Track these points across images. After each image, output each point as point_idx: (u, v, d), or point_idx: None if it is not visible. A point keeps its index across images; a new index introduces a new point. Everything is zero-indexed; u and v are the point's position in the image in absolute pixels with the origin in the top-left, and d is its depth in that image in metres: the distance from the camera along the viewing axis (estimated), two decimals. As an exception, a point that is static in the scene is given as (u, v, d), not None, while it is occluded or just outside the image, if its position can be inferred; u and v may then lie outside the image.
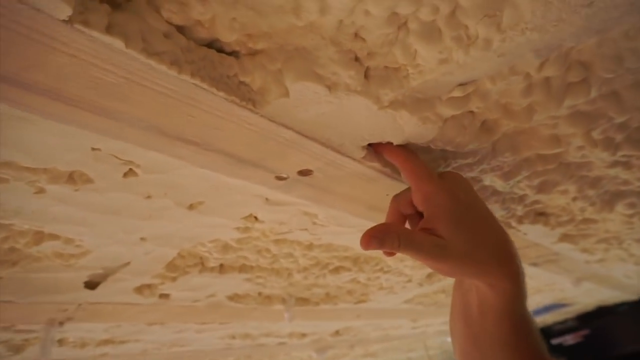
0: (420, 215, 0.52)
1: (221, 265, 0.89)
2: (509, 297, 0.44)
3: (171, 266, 0.81)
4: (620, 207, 0.84)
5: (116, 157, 0.46)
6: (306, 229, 0.74)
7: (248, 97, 0.39)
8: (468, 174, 0.62)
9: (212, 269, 0.87)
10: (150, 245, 0.70)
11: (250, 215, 0.67)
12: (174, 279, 0.85)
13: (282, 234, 0.75)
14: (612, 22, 0.37)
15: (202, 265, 0.86)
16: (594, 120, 0.53)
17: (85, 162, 0.45)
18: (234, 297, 1.07)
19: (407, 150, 0.51)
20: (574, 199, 0.78)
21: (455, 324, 0.49)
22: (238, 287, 1.01)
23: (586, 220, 0.92)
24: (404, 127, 0.46)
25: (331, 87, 0.39)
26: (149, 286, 0.87)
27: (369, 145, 0.51)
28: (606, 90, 0.49)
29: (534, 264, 1.21)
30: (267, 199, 0.61)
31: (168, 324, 1.09)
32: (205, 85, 0.36)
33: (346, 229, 0.76)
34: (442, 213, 0.47)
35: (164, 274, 0.82)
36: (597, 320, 2.45)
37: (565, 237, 1.01)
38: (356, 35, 0.37)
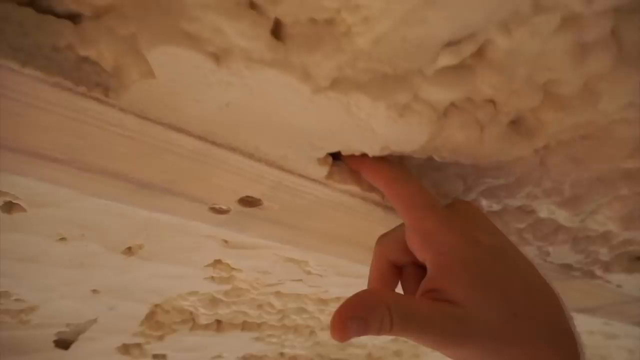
0: (419, 267, 0.34)
1: (218, 322, 0.74)
2: None
3: (153, 323, 0.68)
4: None
5: (-22, 185, 0.34)
6: (300, 280, 0.58)
7: (96, 82, 0.25)
8: (508, 202, 0.42)
9: (206, 327, 0.73)
10: (109, 299, 0.57)
11: (218, 262, 0.52)
12: (160, 338, 0.71)
13: (273, 285, 0.59)
14: None
15: (193, 322, 0.71)
16: None
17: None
18: (249, 359, 0.91)
19: (393, 166, 0.34)
20: (689, 236, 0.54)
21: None
22: (249, 347, 0.85)
23: None
24: (372, 124, 0.29)
25: (219, 57, 0.24)
26: (137, 346, 0.74)
27: (335, 157, 0.34)
28: None
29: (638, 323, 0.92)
30: (225, 240, 0.46)
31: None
32: (15, 65, 0.23)
33: (353, 280, 0.58)
34: (454, 264, 0.29)
35: (145, 332, 0.68)
36: None
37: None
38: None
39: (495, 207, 0.43)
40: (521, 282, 0.29)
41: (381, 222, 0.41)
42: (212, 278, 0.55)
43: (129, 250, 0.46)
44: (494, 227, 0.32)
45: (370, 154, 0.33)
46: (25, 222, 0.38)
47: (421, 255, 0.31)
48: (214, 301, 0.65)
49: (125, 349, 0.73)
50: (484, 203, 0.42)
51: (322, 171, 0.34)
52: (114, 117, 0.26)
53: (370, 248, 0.45)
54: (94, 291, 0.54)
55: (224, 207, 0.37)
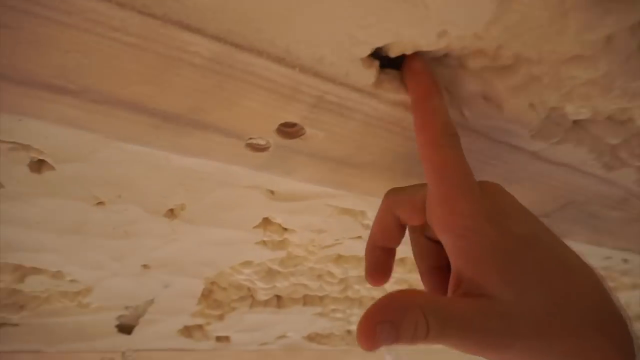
0: (429, 239, 0.32)
1: (278, 298, 0.71)
2: None
3: (211, 301, 0.65)
4: None
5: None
6: (359, 237, 0.52)
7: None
8: (599, 106, 0.35)
9: (266, 303, 0.69)
10: (161, 275, 0.54)
11: (267, 222, 0.48)
12: (220, 317, 0.68)
13: (330, 247, 0.54)
14: None
15: (252, 298, 0.68)
16: None
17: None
18: (315, 338, 0.87)
19: (440, 97, 0.29)
20: None
21: None
22: (313, 325, 0.81)
23: None
24: (425, -5, 0.23)
25: None
26: (198, 327, 0.72)
27: (385, 60, 0.29)
28: None
29: None
30: (270, 191, 0.42)
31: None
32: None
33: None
34: (486, 254, 0.24)
35: (204, 312, 0.66)
36: None
37: None
38: None
39: (584, 114, 0.35)
40: (560, 269, 0.25)
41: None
42: (264, 243, 0.51)
43: (171, 213, 0.43)
44: (525, 212, 0.27)
45: (426, 46, 0.27)
46: (57, 183, 0.36)
47: (443, 235, 0.26)
48: (270, 273, 0.61)
49: (187, 331, 0.72)
50: (569, 109, 0.34)
51: (368, 76, 0.28)
52: (113, 16, 0.22)
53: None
54: (145, 266, 0.52)
55: (262, 142, 0.33)
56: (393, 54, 0.28)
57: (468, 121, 0.34)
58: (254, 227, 0.47)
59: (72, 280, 0.52)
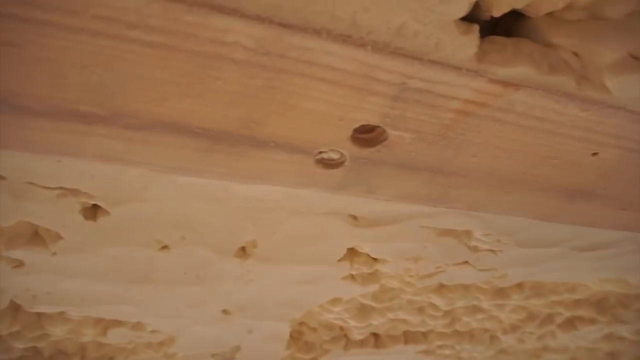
0: None
1: (375, 336, 0.62)
2: None
3: (301, 344, 0.59)
4: None
5: (45, 187, 0.28)
6: (466, 262, 0.43)
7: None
8: None
9: (362, 343, 0.61)
10: (243, 320, 0.49)
11: (353, 252, 0.41)
12: (314, 362, 0.62)
13: (430, 276, 0.45)
14: None
15: (346, 338, 0.61)
16: None
17: (15, 208, 0.29)
18: (422, 378, 0.77)
19: None
20: None
21: None
22: (419, 364, 0.71)
23: None
24: None
25: None
26: (293, 373, 0.66)
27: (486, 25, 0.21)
28: None
29: None
30: (352, 216, 0.35)
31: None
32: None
33: (543, 251, 0.41)
34: None
35: (294, 356, 0.60)
36: None
37: None
38: None
39: None
40: None
41: (578, 129, 0.26)
42: (352, 277, 0.44)
43: (242, 252, 0.38)
44: None
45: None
46: (115, 229, 0.32)
47: None
48: (363, 310, 0.53)
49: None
50: None
51: (468, 46, 0.21)
52: (126, 7, 0.17)
53: (562, 188, 0.30)
54: (225, 312, 0.47)
55: (335, 156, 0.26)
56: (497, 12, 0.21)
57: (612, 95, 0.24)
58: (339, 260, 0.40)
59: (153, 331, 0.49)
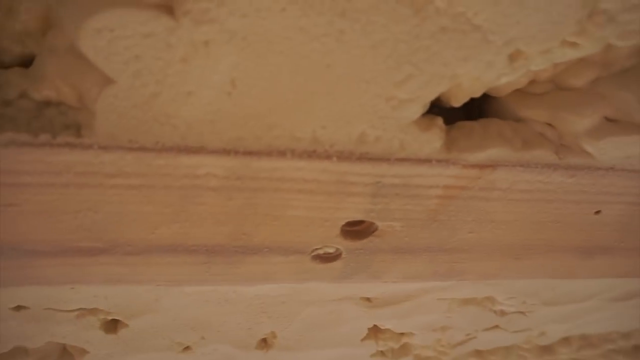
0: None
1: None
2: None
3: None
4: None
5: (63, 310, 0.30)
6: (497, 326, 0.41)
7: (64, 124, 0.18)
8: None
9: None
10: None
11: (376, 330, 0.40)
12: None
13: (462, 344, 0.43)
14: None
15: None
16: None
17: (40, 332, 0.31)
18: None
19: None
20: None
21: None
22: None
23: None
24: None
25: (171, 5, 0.16)
26: None
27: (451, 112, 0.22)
28: None
29: None
30: (366, 299, 0.34)
31: None
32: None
33: (577, 305, 0.39)
34: None
35: None
36: None
37: None
38: None
39: None
40: None
41: (571, 193, 0.25)
42: (382, 354, 0.43)
43: (264, 344, 0.38)
44: None
45: (497, 78, 0.20)
46: (136, 339, 0.33)
47: None
48: (403, 382, 0.51)
49: None
50: None
51: (432, 140, 0.21)
52: (102, 162, 0.19)
53: (585, 245, 0.29)
54: (259, 401, 0.46)
55: (331, 251, 0.27)
56: (457, 103, 0.21)
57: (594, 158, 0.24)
58: (362, 340, 0.39)
59: None
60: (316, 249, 0.26)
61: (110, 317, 0.31)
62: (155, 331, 0.33)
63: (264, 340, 0.38)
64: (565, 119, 0.23)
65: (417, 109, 0.20)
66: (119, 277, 0.26)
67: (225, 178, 0.21)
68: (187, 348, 0.36)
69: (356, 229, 0.26)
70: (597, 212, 0.28)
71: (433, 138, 0.21)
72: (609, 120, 0.23)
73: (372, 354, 0.42)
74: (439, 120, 0.21)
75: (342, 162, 0.21)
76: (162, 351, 0.35)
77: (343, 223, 0.25)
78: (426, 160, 0.22)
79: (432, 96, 0.19)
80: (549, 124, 0.24)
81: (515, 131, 0.23)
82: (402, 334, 0.41)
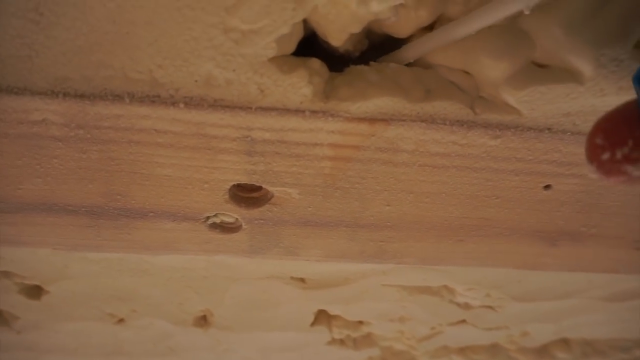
0: None
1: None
2: None
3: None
4: None
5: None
6: (463, 321, 0.37)
7: None
8: None
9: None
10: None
11: (325, 315, 0.37)
12: None
13: (428, 339, 0.39)
14: None
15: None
16: None
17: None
18: None
19: None
20: None
21: None
22: None
23: None
24: None
25: None
26: None
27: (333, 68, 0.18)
28: None
29: None
30: (299, 279, 0.31)
31: None
32: None
33: (557, 302, 0.34)
34: None
35: None
36: None
37: None
38: None
39: None
40: None
41: (499, 160, 0.21)
42: (341, 342, 0.40)
43: (203, 321, 0.36)
44: None
45: (362, 5, 0.16)
46: (61, 306, 0.32)
47: None
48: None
49: None
50: None
51: (299, 85, 0.18)
52: None
53: (545, 229, 0.25)
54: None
55: (229, 220, 0.24)
56: (335, 39, 0.18)
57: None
58: (312, 325, 0.36)
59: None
60: (210, 216, 0.24)
61: (27, 282, 0.30)
62: (79, 299, 0.32)
63: (204, 318, 0.36)
64: (482, 63, 0.19)
65: (267, 43, 0.16)
66: (7, 237, 0.24)
67: (64, 126, 0.18)
68: (121, 320, 0.35)
69: (249, 196, 0.23)
70: (547, 187, 0.23)
71: (299, 82, 0.18)
72: (537, 65, 0.19)
73: (328, 342, 0.39)
74: (313, 62, 0.18)
75: (193, 110, 0.18)
76: (94, 321, 0.34)
77: (228, 187, 0.22)
78: (298, 111, 0.18)
79: (282, 28, 0.16)
80: (465, 71, 0.19)
81: (416, 78, 0.19)
82: (361, 322, 0.37)
